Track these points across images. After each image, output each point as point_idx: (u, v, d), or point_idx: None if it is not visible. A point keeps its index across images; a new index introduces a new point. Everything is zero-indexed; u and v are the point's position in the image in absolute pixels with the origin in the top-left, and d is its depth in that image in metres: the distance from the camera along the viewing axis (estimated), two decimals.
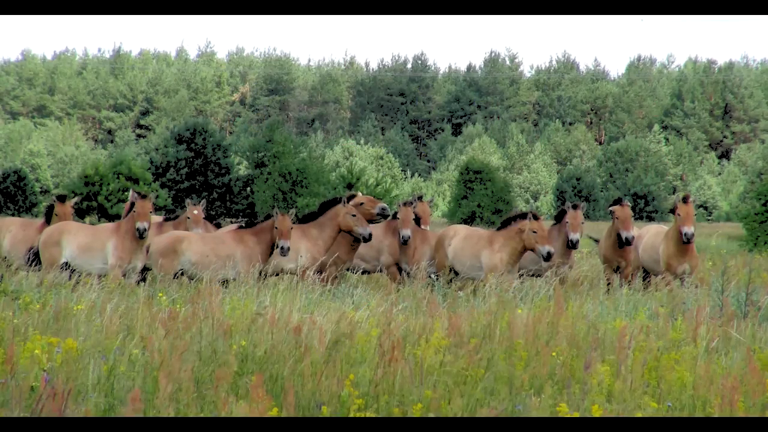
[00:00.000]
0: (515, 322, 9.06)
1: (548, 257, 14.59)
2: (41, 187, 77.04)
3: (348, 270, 16.48)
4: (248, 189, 49.13)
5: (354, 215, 15.29)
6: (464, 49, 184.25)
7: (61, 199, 16.85)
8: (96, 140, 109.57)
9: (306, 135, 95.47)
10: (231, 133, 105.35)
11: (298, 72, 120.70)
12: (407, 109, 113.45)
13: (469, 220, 54.11)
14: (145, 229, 14.11)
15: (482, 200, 55.52)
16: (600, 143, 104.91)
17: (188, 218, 16.49)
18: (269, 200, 46.01)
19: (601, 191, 78.14)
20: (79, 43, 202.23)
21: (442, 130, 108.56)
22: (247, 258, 14.34)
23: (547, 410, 7.13)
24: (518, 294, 12.97)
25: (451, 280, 15.31)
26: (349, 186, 46.58)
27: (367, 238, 15.32)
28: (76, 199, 18.06)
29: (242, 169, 54.11)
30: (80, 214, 41.13)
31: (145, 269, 14.51)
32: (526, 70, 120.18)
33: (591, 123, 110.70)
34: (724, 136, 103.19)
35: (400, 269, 16.54)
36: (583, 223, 15.75)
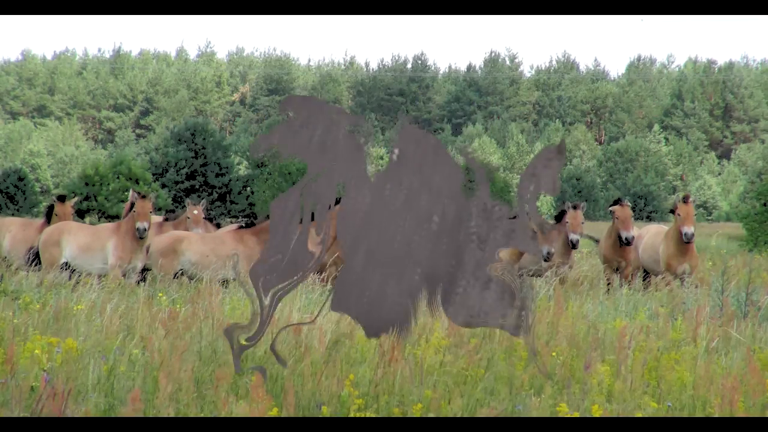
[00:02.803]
0: None
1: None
2: (41, 187, 77.03)
3: None
4: (248, 189, 49.13)
5: None
6: (464, 49, 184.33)
7: (61, 199, 16.86)
8: (96, 140, 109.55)
9: None
10: (231, 133, 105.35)
11: (298, 72, 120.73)
12: (407, 109, 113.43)
13: None
14: (145, 229, 14.11)
15: None
16: (600, 143, 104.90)
17: (188, 218, 16.50)
18: (269, 200, 46.03)
19: (601, 191, 78.11)
20: (79, 43, 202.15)
21: (442, 130, 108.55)
22: (247, 258, 14.33)
23: (547, 410, 7.12)
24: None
25: None
26: None
27: None
28: (76, 199, 18.07)
29: (242, 169, 54.12)
30: (80, 214, 41.12)
31: (145, 269, 14.51)
32: (526, 70, 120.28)
33: (591, 123, 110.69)
34: (724, 136, 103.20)
35: None
36: (583, 223, 15.74)
